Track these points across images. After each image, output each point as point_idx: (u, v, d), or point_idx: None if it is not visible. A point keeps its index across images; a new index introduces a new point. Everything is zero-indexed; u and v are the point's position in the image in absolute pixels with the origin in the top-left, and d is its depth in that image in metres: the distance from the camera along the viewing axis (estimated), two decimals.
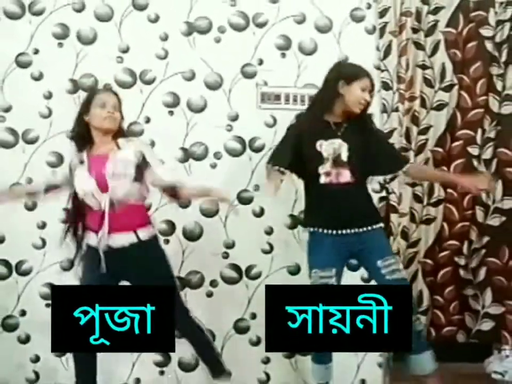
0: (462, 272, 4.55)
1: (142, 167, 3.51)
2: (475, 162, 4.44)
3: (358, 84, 3.55)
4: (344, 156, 3.54)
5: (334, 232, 3.57)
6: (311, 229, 3.64)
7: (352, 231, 3.57)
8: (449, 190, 4.49)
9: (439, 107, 4.45)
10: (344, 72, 3.60)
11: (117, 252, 3.46)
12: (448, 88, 4.43)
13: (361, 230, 3.57)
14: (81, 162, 3.54)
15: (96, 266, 3.49)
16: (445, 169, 4.43)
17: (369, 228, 3.59)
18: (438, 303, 4.57)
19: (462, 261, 4.53)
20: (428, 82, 4.42)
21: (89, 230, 3.55)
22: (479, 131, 4.43)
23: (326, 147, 3.56)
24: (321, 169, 3.55)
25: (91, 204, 3.50)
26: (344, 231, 3.57)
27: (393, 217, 4.35)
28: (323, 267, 3.56)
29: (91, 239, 3.53)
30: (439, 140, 4.46)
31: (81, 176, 3.52)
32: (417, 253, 4.55)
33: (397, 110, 4.30)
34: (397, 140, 4.30)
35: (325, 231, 3.59)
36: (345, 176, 3.55)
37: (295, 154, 3.60)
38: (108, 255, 3.46)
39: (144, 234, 3.52)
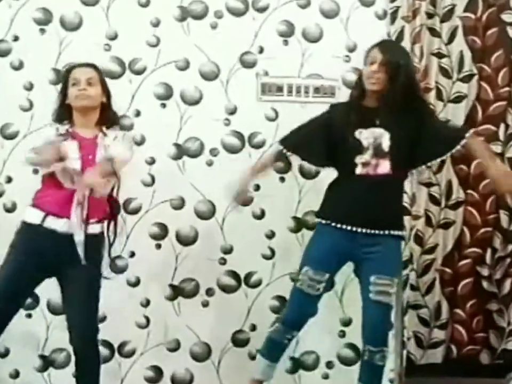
0: (485, 283, 4.50)
1: None
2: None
3: (367, 60, 3.56)
4: (386, 146, 3.50)
5: (349, 228, 3.53)
6: (323, 221, 3.61)
7: (369, 231, 3.52)
8: (469, 191, 4.45)
9: (457, 99, 4.41)
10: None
11: (63, 236, 3.43)
12: (467, 79, 4.41)
13: (378, 232, 3.52)
14: (72, 137, 3.51)
15: (32, 249, 3.43)
16: (465, 169, 4.43)
17: (387, 232, 3.53)
18: (459, 317, 4.51)
19: (485, 271, 4.48)
20: (444, 72, 4.40)
21: (40, 208, 3.48)
22: (502, 126, 4.41)
23: (367, 135, 3.52)
24: (359, 159, 3.51)
25: (64, 183, 3.44)
26: (359, 230, 3.52)
27: (405, 219, 4.24)
28: (316, 268, 3.56)
29: (34, 217, 3.46)
30: None
31: (71, 150, 3.47)
32: (435, 260, 4.50)
33: None
34: None
35: (339, 225, 3.54)
36: (385, 167, 3.50)
37: (323, 143, 3.61)
38: (57, 238, 3.43)
39: (96, 228, 3.52)
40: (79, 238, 3.42)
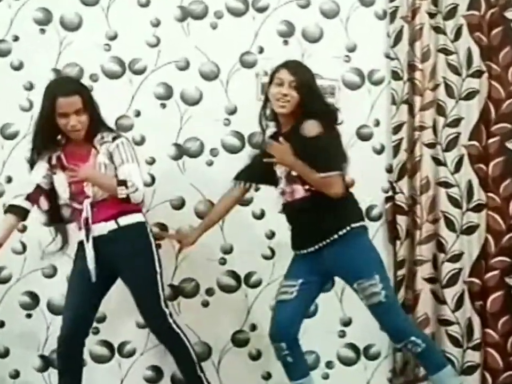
0: None
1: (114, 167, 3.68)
2: None
3: (274, 81, 3.60)
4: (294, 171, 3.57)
5: (300, 252, 3.69)
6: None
7: (312, 248, 3.61)
8: (490, 195, 4.40)
9: (469, 96, 4.40)
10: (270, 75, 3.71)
11: (97, 239, 3.65)
12: (477, 75, 4.39)
13: (320, 244, 3.58)
14: (62, 167, 3.68)
15: (84, 259, 3.68)
16: (483, 168, 4.39)
17: (328, 240, 3.56)
18: (492, 339, 4.38)
19: None
20: (453, 69, 4.40)
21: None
22: None
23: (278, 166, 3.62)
24: (278, 189, 3.67)
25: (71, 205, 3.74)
26: (306, 251, 3.64)
27: (400, 219, 4.36)
28: (287, 278, 3.72)
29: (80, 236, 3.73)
30: (473, 134, 4.42)
31: (59, 183, 3.70)
32: (462, 270, 4.40)
33: (407, 101, 4.33)
34: (406, 135, 4.34)
35: (296, 251, 3.73)
36: (299, 192, 3.58)
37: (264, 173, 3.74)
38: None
39: (124, 220, 3.66)
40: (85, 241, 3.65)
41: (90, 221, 3.62)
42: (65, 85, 3.71)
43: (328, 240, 3.56)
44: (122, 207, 3.64)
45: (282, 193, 3.64)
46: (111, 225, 3.65)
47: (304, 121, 3.51)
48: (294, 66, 3.63)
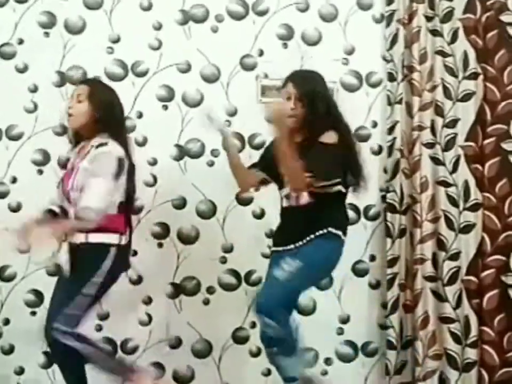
0: None
1: None
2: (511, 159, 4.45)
3: (284, 95, 3.61)
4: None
5: (277, 248, 3.68)
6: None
7: (289, 247, 3.60)
8: (486, 194, 4.41)
9: (466, 98, 4.42)
10: None
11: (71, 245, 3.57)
12: (473, 76, 4.42)
13: (297, 244, 3.57)
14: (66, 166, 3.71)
15: None
16: (479, 168, 4.40)
17: (305, 240, 3.55)
18: (488, 336, 4.37)
19: (510, 280, 4.40)
20: (450, 71, 4.42)
21: None
22: None
23: None
24: (282, 193, 3.67)
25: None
26: (283, 248, 3.62)
27: (391, 217, 4.35)
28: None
29: None
30: (469, 135, 4.43)
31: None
32: (460, 268, 4.39)
33: (400, 102, 4.35)
34: (399, 134, 4.34)
35: (274, 248, 3.73)
36: (304, 197, 3.58)
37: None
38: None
39: (93, 238, 3.54)
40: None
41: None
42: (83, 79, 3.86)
43: (304, 241, 3.55)
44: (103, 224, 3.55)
45: (287, 196, 3.63)
46: (82, 238, 3.54)
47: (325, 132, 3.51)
48: (299, 78, 3.64)
